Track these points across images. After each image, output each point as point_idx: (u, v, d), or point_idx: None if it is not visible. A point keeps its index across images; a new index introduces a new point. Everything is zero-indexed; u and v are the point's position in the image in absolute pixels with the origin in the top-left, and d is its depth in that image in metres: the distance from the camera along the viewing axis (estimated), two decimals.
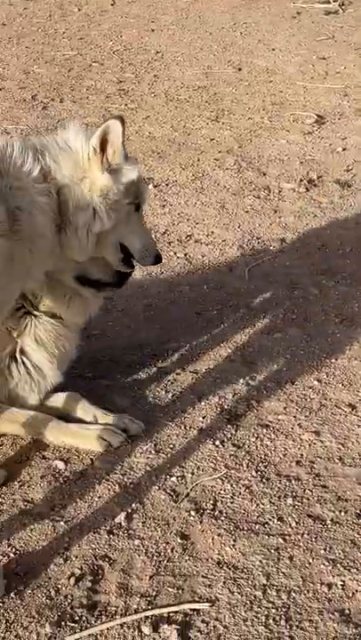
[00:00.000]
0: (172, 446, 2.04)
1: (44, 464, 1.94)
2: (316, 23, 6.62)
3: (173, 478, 1.93)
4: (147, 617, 1.55)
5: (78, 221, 1.77)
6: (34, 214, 1.67)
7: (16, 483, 1.87)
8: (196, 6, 7.10)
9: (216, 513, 1.82)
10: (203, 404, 2.19)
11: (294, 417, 2.13)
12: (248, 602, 1.58)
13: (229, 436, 2.08)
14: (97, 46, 6.01)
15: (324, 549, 1.70)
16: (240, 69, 5.53)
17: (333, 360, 2.40)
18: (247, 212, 3.50)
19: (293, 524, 1.76)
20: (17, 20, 6.65)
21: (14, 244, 1.63)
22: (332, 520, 1.79)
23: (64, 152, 1.77)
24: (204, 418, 2.14)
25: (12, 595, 1.58)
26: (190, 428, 2.11)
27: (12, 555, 1.68)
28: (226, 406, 2.19)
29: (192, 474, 1.95)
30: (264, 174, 3.87)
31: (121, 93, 5.03)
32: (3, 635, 1.49)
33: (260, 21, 6.65)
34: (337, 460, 1.98)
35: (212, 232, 3.30)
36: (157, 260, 2.02)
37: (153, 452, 2.02)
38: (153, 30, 6.43)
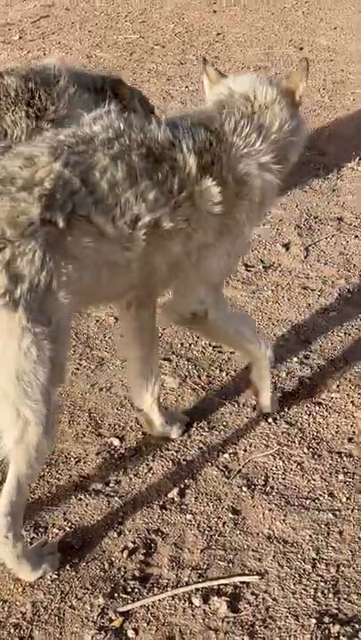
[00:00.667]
0: (225, 424, 2.07)
1: (99, 441, 2.02)
2: None
3: (226, 455, 1.95)
4: (197, 589, 1.59)
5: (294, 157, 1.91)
6: (262, 176, 1.75)
7: (72, 459, 1.96)
8: None
9: (267, 489, 1.83)
10: None
11: (347, 395, 2.08)
12: (297, 575, 1.58)
13: (282, 413, 2.07)
14: (159, 29, 6.03)
15: None
16: (301, 49, 5.37)
17: None
18: (305, 191, 3.42)
19: (344, 500, 1.74)
20: (80, 4, 6.81)
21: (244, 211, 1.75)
22: None
23: (268, 109, 1.80)
24: (256, 395, 2.13)
25: (67, 567, 1.66)
26: (243, 405, 2.12)
27: (67, 529, 1.77)
28: (279, 384, 2.18)
29: (244, 450, 1.96)
30: (323, 154, 3.76)
31: (182, 76, 5.06)
32: (58, 605, 1.58)
33: (322, 0, 6.44)
34: None
35: (270, 211, 3.26)
36: None
37: (206, 429, 2.05)
38: (215, 12, 6.38)
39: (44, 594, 1.60)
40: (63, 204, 1.46)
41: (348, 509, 1.70)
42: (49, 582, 1.62)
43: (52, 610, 1.56)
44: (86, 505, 1.83)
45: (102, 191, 1.52)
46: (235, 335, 1.93)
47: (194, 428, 2.05)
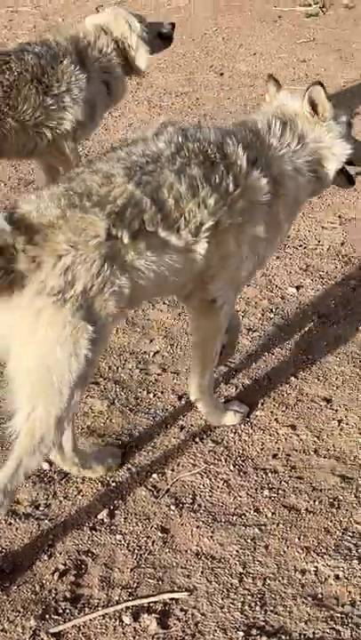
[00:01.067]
0: (153, 444, 2.11)
1: None
2: (297, 26, 6.71)
3: (154, 475, 2.00)
4: (127, 607, 1.62)
5: (332, 169, 2.08)
6: (296, 177, 1.97)
7: None
8: (179, 13, 7.20)
9: (195, 506, 1.89)
10: (182, 402, 2.26)
11: (271, 412, 2.20)
12: (225, 590, 1.65)
13: (208, 432, 2.15)
14: None
15: (299, 538, 1.77)
16: (222, 74, 5.62)
17: (310, 356, 2.47)
18: None
19: (269, 515, 1.83)
20: None
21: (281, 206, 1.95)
22: (306, 509, 1.86)
23: (302, 118, 2.02)
24: (183, 416, 2.20)
25: None
26: (170, 426, 2.18)
27: None
28: None
29: (172, 470, 2.02)
30: None
31: None
32: None
33: (241, 26, 6.75)
34: (312, 452, 2.05)
35: None
36: None
37: (135, 450, 2.09)
38: None
39: None
40: (132, 221, 1.62)
41: (273, 524, 1.79)
42: None
43: None
44: (16, 529, 1.81)
45: (169, 207, 1.69)
46: (220, 331, 2.05)
47: (123, 450, 2.08)
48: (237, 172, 1.81)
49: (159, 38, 3.19)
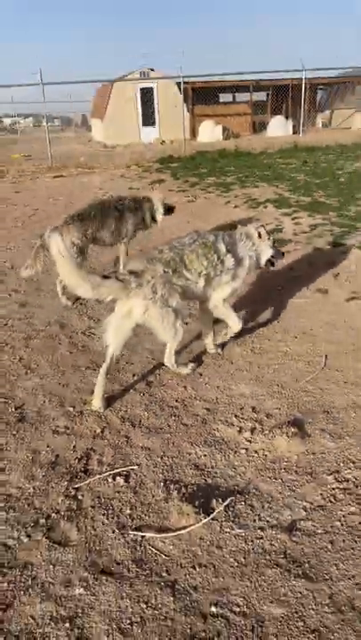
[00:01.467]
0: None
1: None
2: (184, 205, 7.78)
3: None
4: (110, 474, 3.44)
5: (264, 259, 4.71)
6: (246, 259, 4.52)
7: None
8: None
9: (142, 427, 3.73)
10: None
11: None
12: (153, 465, 3.51)
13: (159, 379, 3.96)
14: None
15: (186, 438, 3.68)
16: None
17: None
18: None
19: (174, 427, 3.71)
20: None
21: (239, 270, 4.47)
22: (190, 424, 3.76)
23: (255, 237, 4.61)
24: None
25: None
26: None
27: None
28: None
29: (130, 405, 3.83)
30: None
31: None
32: None
33: None
34: (193, 398, 3.93)
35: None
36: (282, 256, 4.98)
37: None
38: None
39: None
40: (175, 268, 4.01)
41: (176, 432, 3.69)
42: None
43: None
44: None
45: (188, 264, 4.09)
46: (226, 316, 4.58)
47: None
48: (220, 253, 4.25)
49: (167, 210, 6.68)
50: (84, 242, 5.73)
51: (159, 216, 6.47)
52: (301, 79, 22.13)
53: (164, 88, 26.65)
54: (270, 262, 4.71)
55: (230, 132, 27.45)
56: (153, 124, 27.65)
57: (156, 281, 3.79)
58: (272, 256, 4.69)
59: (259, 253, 4.57)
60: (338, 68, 28.00)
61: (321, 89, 33.64)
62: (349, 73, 29.59)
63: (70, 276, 3.46)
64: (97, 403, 3.93)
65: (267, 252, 4.62)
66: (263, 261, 4.65)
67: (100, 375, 3.96)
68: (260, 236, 4.54)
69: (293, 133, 26.30)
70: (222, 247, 4.23)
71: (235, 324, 4.60)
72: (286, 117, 28.54)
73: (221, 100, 31.98)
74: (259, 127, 29.70)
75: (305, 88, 22.26)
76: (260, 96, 31.17)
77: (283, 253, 4.96)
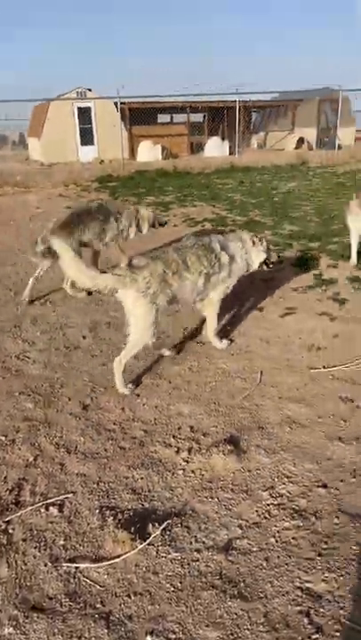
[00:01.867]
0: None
1: None
2: None
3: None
4: (43, 504, 3.33)
5: (257, 262, 5.19)
6: (238, 259, 4.98)
7: None
8: None
9: (78, 452, 3.64)
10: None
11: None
12: (89, 492, 3.43)
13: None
14: None
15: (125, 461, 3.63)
16: None
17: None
18: None
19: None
20: None
21: (234, 267, 4.95)
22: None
23: (246, 241, 5.08)
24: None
25: None
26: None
27: None
28: None
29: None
30: None
31: None
32: None
33: None
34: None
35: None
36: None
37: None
38: None
39: None
40: (175, 270, 4.39)
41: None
42: None
43: None
44: None
45: (189, 264, 4.50)
46: (211, 317, 5.09)
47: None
48: (217, 253, 4.72)
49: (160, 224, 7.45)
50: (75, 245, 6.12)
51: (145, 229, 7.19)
52: (236, 102, 22.81)
53: (102, 107, 26.76)
54: (265, 264, 5.23)
55: (169, 152, 27.83)
56: (92, 143, 27.66)
57: (153, 278, 4.21)
58: (266, 258, 5.21)
59: (250, 256, 5.08)
60: (270, 92, 29.01)
61: (255, 111, 34.77)
62: (281, 97, 30.79)
63: (72, 269, 4.07)
64: (121, 388, 4.48)
65: (260, 256, 5.13)
66: (256, 264, 5.15)
67: (116, 364, 4.46)
68: (253, 243, 5.09)
69: (230, 154, 26.98)
70: (217, 247, 4.76)
71: (214, 327, 5.22)
72: (223, 139, 29.26)
73: (160, 121, 32.43)
74: (196, 148, 30.28)
75: (239, 111, 22.95)
76: (198, 117, 31.85)
77: (279, 256, 5.63)
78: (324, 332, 5.48)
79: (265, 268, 5.29)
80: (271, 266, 5.33)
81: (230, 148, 27.65)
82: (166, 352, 5.03)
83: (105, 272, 4.24)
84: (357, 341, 5.24)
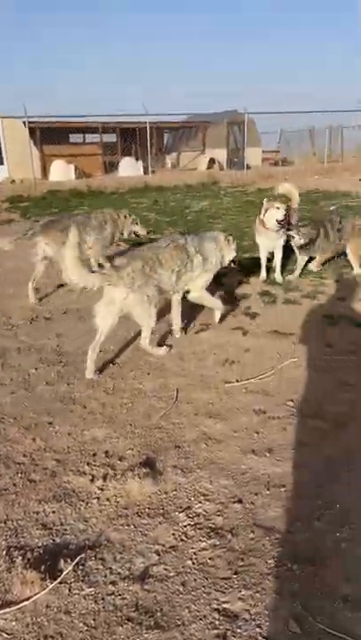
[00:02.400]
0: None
1: None
2: None
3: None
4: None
5: (227, 259, 5.81)
6: (212, 258, 5.56)
7: None
8: None
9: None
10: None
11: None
12: None
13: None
14: None
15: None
16: None
17: None
18: None
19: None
20: None
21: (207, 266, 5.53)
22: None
23: (219, 241, 5.69)
24: None
25: None
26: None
27: None
28: None
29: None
30: None
31: None
32: None
33: None
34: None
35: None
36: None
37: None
38: None
39: None
40: (151, 265, 4.95)
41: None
42: None
43: None
44: None
45: (163, 262, 5.05)
46: (208, 303, 5.84)
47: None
48: (190, 254, 5.26)
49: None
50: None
51: (126, 232, 8.02)
52: (146, 123, 23.12)
53: (10, 126, 26.16)
54: (233, 262, 5.86)
55: (82, 171, 27.63)
56: (0, 162, 26.91)
57: (135, 274, 4.74)
58: (235, 257, 5.84)
59: (223, 254, 5.64)
60: (181, 114, 29.72)
61: (167, 132, 35.40)
62: (192, 118, 31.59)
63: (70, 265, 4.39)
64: (89, 374, 4.91)
65: (232, 254, 5.73)
66: (227, 261, 5.72)
67: (90, 351, 4.90)
68: (228, 242, 5.65)
69: (144, 174, 27.24)
70: (192, 249, 5.26)
71: (218, 306, 6.00)
72: (137, 159, 29.51)
73: (72, 141, 32.18)
74: (110, 167, 30.31)
75: (150, 131, 23.26)
76: (111, 137, 31.95)
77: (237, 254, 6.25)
78: (237, 346, 5.56)
79: (232, 264, 5.94)
80: (234, 264, 5.97)
81: (145, 167, 27.93)
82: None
83: (94, 271, 4.90)
84: (267, 354, 5.36)
